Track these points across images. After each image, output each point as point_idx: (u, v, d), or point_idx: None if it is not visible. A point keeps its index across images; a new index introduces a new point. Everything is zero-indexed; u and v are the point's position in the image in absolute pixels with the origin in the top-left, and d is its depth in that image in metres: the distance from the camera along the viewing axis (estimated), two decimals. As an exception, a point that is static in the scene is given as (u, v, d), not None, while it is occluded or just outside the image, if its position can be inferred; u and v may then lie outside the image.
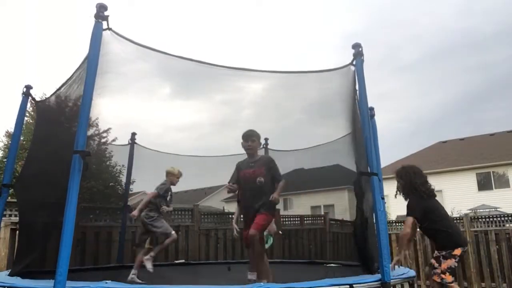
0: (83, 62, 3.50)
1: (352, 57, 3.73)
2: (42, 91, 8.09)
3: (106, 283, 2.92)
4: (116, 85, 3.67)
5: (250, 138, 3.99)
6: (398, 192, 4.10)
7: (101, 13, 3.11)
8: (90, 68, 3.01)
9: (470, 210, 15.96)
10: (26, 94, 4.47)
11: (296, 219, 9.02)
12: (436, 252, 3.84)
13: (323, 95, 4.35)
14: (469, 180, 20.99)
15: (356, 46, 3.70)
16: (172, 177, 4.87)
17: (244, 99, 4.82)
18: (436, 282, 3.72)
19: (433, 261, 3.80)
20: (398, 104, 70.84)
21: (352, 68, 3.76)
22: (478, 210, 15.71)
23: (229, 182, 4.09)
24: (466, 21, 61.89)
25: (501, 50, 61.73)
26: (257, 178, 3.87)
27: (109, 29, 3.20)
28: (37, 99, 5.17)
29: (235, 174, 4.12)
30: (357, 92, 3.75)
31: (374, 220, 3.47)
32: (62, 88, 4.17)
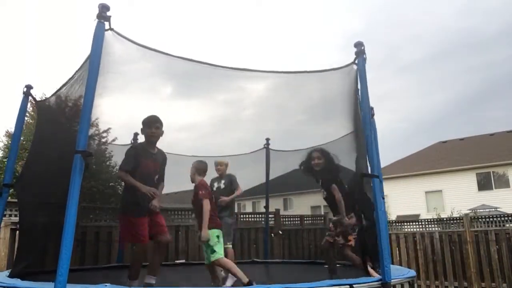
0: (84, 62, 3.50)
1: (354, 56, 3.73)
2: (42, 91, 8.08)
3: (106, 286, 2.92)
4: (117, 85, 3.66)
5: (154, 125, 3.54)
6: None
7: (103, 14, 3.10)
8: (92, 68, 3.00)
9: (470, 210, 15.97)
10: (27, 94, 4.47)
11: (296, 219, 9.01)
12: (345, 220, 3.96)
13: (325, 95, 4.34)
14: (469, 180, 21.01)
15: (358, 45, 3.69)
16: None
17: (245, 99, 4.81)
18: (346, 245, 3.96)
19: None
20: (398, 104, 70.95)
21: (355, 67, 3.75)
22: (478, 210, 15.71)
23: (124, 169, 3.43)
24: (467, 21, 61.95)
25: (502, 50, 61.82)
26: (156, 175, 3.53)
27: (111, 29, 3.20)
28: (37, 99, 5.17)
29: (131, 159, 3.44)
30: (359, 91, 3.75)
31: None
32: (63, 88, 4.16)
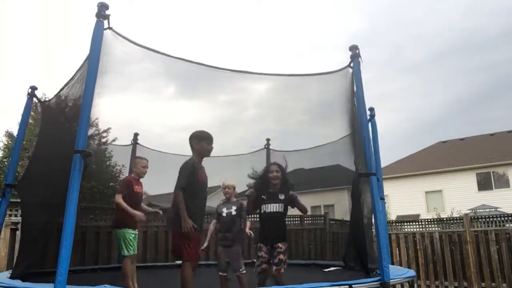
0: (85, 62, 3.51)
1: (349, 59, 3.74)
2: (42, 91, 8.06)
3: (105, 287, 2.92)
4: (116, 85, 3.67)
5: (212, 142, 3.61)
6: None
7: (102, 12, 3.10)
8: (91, 67, 3.01)
9: (470, 210, 15.95)
10: (31, 95, 4.48)
11: (296, 219, 9.02)
12: (281, 245, 3.65)
13: (324, 97, 4.36)
14: (469, 180, 21.00)
15: (353, 48, 3.71)
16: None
17: (246, 100, 4.82)
18: (281, 273, 3.59)
19: (282, 256, 3.63)
20: (399, 104, 70.94)
21: (350, 70, 3.77)
22: (478, 210, 15.69)
23: (181, 187, 3.35)
24: (471, 22, 61.88)
25: (504, 50, 61.83)
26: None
27: (110, 28, 3.19)
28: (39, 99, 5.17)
29: (187, 176, 3.38)
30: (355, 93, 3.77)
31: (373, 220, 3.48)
32: (65, 88, 4.17)
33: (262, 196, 3.81)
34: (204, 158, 3.59)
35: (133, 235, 4.05)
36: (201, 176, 3.47)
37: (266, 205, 3.78)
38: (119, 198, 3.99)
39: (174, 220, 3.33)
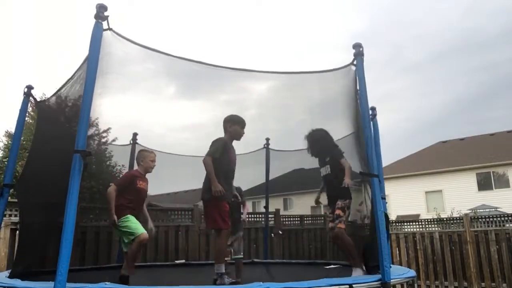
0: (83, 62, 3.51)
1: (353, 57, 3.73)
2: (42, 91, 8.08)
3: (106, 284, 2.92)
4: (117, 85, 3.67)
5: (244, 127, 3.85)
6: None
7: (101, 14, 3.11)
8: (90, 68, 3.01)
9: (470, 210, 15.96)
10: (27, 94, 4.47)
11: (296, 219, 9.01)
12: (339, 202, 3.97)
13: (325, 95, 4.36)
14: (469, 180, 21.01)
15: (357, 46, 3.70)
16: None
17: (247, 99, 4.82)
18: (342, 228, 3.91)
19: (339, 211, 3.94)
20: (399, 104, 70.93)
21: (353, 68, 3.76)
22: (478, 210, 15.71)
23: (211, 156, 3.50)
24: (471, 21, 61.86)
25: (504, 50, 61.80)
26: (235, 168, 3.89)
27: (109, 29, 3.20)
28: (37, 99, 5.17)
29: (221, 149, 3.61)
30: (358, 92, 3.76)
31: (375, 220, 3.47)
32: (63, 89, 4.16)
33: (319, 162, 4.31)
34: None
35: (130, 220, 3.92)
36: (232, 154, 3.66)
37: (320, 170, 4.28)
38: (111, 189, 3.84)
39: (207, 189, 3.45)
